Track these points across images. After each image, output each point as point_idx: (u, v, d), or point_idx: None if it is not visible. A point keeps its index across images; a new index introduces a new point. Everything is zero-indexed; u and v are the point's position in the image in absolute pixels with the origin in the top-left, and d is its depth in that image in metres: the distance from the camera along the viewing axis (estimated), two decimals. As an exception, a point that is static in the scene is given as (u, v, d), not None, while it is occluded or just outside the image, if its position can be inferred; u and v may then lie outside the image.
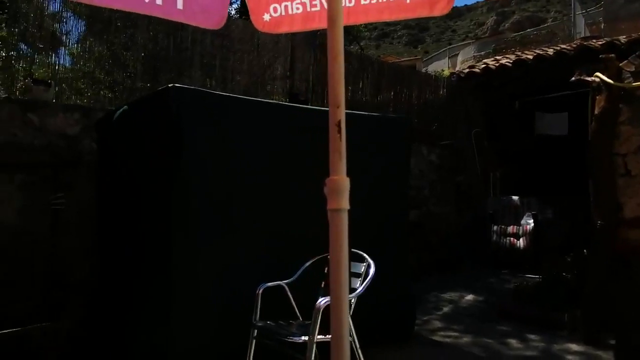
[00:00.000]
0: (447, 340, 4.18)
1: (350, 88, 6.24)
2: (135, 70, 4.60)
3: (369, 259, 3.04)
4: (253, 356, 2.97)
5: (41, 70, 4.19)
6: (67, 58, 4.60)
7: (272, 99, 5.15)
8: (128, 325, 3.36)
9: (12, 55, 4.11)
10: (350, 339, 2.82)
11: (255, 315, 3.00)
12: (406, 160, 4.28)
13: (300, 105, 3.92)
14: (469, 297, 5.51)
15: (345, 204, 1.38)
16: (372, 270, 2.94)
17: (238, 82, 5.16)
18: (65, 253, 3.87)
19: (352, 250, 3.18)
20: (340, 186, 1.38)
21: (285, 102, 5.34)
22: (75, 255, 3.94)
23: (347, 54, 6.78)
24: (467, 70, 8.05)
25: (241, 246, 3.26)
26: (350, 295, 2.86)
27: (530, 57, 6.92)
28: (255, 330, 2.99)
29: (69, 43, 4.52)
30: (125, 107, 3.52)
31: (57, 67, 4.27)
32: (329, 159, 1.38)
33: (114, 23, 4.49)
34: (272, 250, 3.36)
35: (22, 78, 4.14)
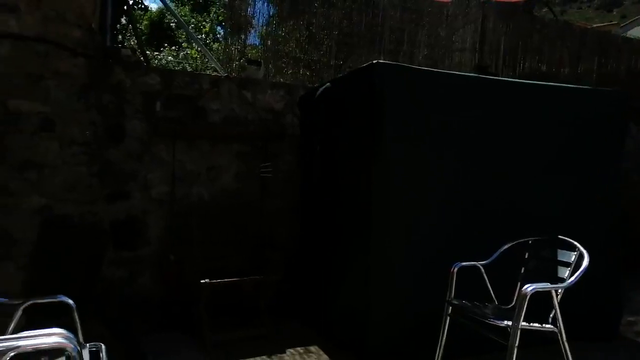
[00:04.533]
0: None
1: (545, 59, 5.71)
2: (330, 49, 4.85)
3: (582, 248, 2.81)
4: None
5: (253, 51, 4.67)
6: (257, 40, 5.07)
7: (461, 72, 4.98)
8: (328, 284, 3.67)
9: (227, 39, 4.63)
10: (556, 329, 2.69)
11: (450, 293, 3.03)
12: (620, 140, 3.81)
13: (509, 79, 3.71)
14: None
15: None
16: (585, 261, 2.72)
17: (425, 55, 5.10)
18: (270, 216, 4.35)
19: (560, 237, 2.99)
20: None
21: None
22: (279, 218, 4.39)
23: (541, 21, 6.20)
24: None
25: (435, 222, 3.29)
26: (559, 285, 2.70)
27: None
28: (450, 308, 3.03)
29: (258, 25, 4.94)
30: (328, 84, 3.74)
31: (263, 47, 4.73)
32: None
33: (312, 4, 4.77)
34: (466, 229, 3.32)
35: (236, 58, 4.67)
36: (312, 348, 3.51)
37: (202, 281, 3.44)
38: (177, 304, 3.96)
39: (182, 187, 4.08)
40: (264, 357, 3.37)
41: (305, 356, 3.41)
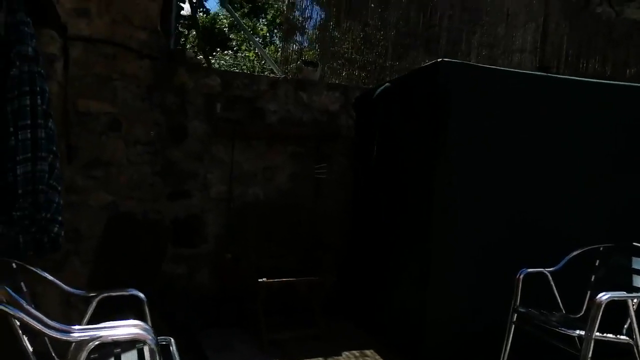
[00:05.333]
0: None
1: (610, 59, 5.45)
2: (386, 50, 4.81)
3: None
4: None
5: (310, 53, 4.70)
6: (306, 42, 5.10)
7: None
8: (383, 286, 3.63)
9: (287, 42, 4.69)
10: (631, 341, 2.55)
11: (515, 300, 2.94)
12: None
13: (584, 79, 3.55)
14: None
15: None
16: (665, 270, 2.56)
17: (483, 55, 4.97)
18: (322, 216, 4.35)
19: (635, 244, 2.84)
20: None
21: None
22: (331, 218, 4.39)
23: (606, 20, 5.92)
24: None
25: (498, 227, 3.19)
26: (637, 295, 2.56)
27: None
28: (515, 315, 2.94)
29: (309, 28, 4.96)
30: (387, 84, 3.71)
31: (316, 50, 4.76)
32: None
33: (368, 4, 4.75)
34: (528, 233, 3.21)
35: (293, 60, 4.71)
36: (368, 352, 3.47)
37: (259, 280, 3.47)
38: (232, 300, 4.02)
39: (239, 186, 4.14)
40: (320, 358, 3.36)
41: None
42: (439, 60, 3.05)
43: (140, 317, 2.35)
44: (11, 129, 2.07)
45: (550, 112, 3.25)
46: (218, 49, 9.88)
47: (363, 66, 4.82)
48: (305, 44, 4.89)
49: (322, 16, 5.14)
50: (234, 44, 9.95)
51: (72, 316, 3.46)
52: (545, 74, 3.48)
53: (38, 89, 2.13)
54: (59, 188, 2.24)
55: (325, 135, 4.34)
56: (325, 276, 3.83)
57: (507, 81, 3.17)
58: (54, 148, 2.22)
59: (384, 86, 3.71)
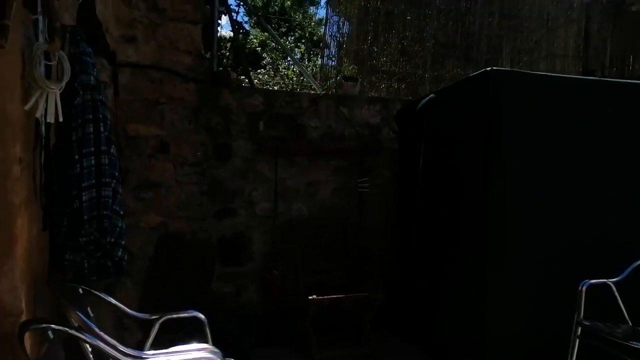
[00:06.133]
0: None
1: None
2: (425, 62, 4.78)
3: None
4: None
5: (350, 68, 4.72)
6: (327, 59, 5.11)
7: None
8: (436, 301, 3.55)
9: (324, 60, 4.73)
10: None
11: (578, 313, 2.83)
12: None
13: (634, 82, 3.44)
14: None
15: None
16: None
17: (525, 62, 4.88)
18: (367, 230, 4.31)
19: None
20: None
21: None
22: (375, 232, 4.34)
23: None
24: None
25: (557, 237, 3.08)
26: None
27: None
28: (580, 329, 2.82)
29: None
30: (432, 95, 3.67)
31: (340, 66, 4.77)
32: None
33: (404, 17, 4.75)
34: (590, 244, 3.09)
35: (333, 76, 4.73)
36: (422, 371, 3.39)
37: (310, 297, 3.45)
38: (280, 318, 4.01)
39: (283, 202, 4.15)
40: (373, 377, 3.30)
41: (416, 379, 3.31)
42: (488, 69, 3.00)
43: (199, 337, 2.37)
44: (76, 157, 2.13)
45: (602, 116, 3.14)
46: (250, 69, 10.03)
47: (402, 78, 4.80)
48: (344, 60, 4.91)
49: (350, 30, 5.16)
50: (264, 62, 10.11)
51: (125, 337, 3.53)
52: (595, 77, 3.38)
53: (100, 116, 2.19)
54: (122, 212, 2.29)
55: (367, 148, 4.32)
56: (374, 291, 3.78)
57: (557, 86, 3.09)
58: (116, 173, 2.27)
59: (428, 97, 3.67)
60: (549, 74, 3.25)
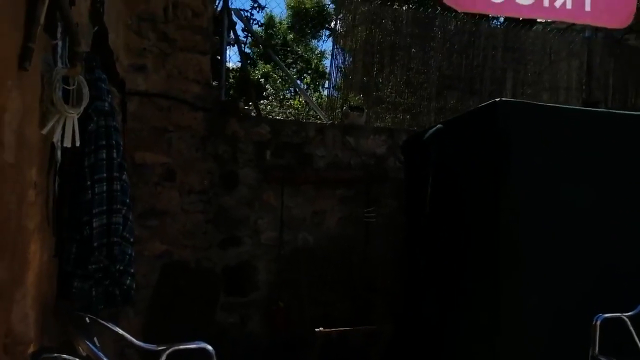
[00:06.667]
0: None
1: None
2: (429, 93, 4.83)
3: None
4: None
5: (356, 99, 4.76)
6: (333, 90, 5.16)
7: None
8: (444, 335, 3.47)
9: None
10: None
11: (593, 348, 2.75)
12: None
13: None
14: None
15: None
16: None
17: (528, 94, 4.94)
18: (373, 261, 4.26)
19: None
20: None
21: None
22: (382, 263, 4.29)
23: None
24: None
25: (569, 270, 3.04)
26: None
27: None
28: (595, 364, 2.75)
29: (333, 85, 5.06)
30: (439, 125, 3.68)
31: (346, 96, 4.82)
32: None
33: (409, 49, 4.83)
34: (603, 277, 3.05)
35: (339, 106, 4.77)
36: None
37: (317, 330, 3.38)
38: (285, 349, 3.92)
39: (289, 231, 4.12)
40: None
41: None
42: (497, 100, 3.02)
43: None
44: (88, 183, 2.11)
45: (611, 147, 3.14)
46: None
47: (407, 109, 4.84)
48: (350, 91, 4.95)
49: (355, 61, 5.22)
50: (265, 93, 10.23)
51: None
52: (605, 110, 3.41)
53: (114, 142, 2.18)
54: (132, 240, 2.26)
55: (373, 178, 4.32)
56: (382, 324, 3.71)
57: (565, 117, 3.10)
58: (127, 200, 2.25)
59: (435, 127, 3.69)
60: (556, 105, 3.27)
